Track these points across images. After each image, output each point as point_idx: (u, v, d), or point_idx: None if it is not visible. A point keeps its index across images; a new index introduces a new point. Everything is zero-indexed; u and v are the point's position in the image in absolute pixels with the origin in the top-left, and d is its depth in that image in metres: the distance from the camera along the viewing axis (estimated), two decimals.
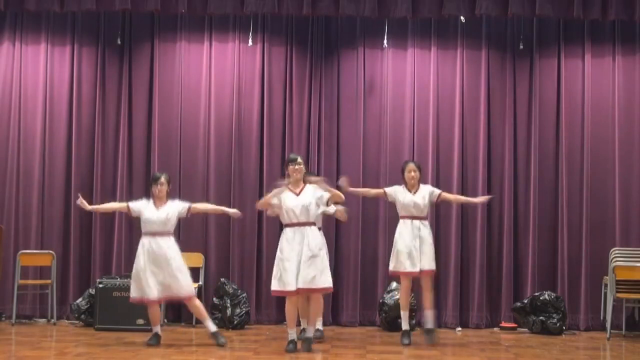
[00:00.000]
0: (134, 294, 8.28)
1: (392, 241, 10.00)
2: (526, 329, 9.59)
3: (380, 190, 8.87)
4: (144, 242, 8.29)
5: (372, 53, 10.23)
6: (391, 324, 9.52)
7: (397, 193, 8.64)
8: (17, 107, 10.24)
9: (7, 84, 10.28)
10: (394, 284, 9.75)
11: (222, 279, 9.79)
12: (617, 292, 9.18)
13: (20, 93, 10.25)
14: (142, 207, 8.40)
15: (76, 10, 9.76)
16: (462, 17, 9.79)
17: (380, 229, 10.01)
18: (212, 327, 8.36)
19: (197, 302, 8.45)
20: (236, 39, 10.25)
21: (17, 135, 10.21)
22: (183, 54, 10.28)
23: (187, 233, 9.93)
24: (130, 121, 10.25)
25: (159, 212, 8.34)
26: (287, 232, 7.97)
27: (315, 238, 7.95)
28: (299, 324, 8.29)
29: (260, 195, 10.05)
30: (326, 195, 8.06)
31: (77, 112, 10.21)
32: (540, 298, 9.52)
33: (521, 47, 10.05)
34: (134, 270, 8.29)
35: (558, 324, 9.42)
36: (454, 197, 9.18)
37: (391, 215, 10.00)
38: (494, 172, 10.09)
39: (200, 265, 9.90)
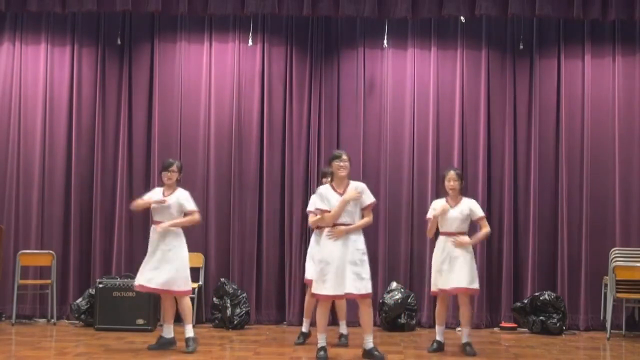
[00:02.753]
0: (136, 281, 8.07)
1: (392, 241, 10.06)
2: (526, 329, 9.59)
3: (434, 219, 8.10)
4: (151, 230, 8.10)
5: (372, 53, 10.23)
6: (391, 324, 9.53)
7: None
8: (17, 107, 10.23)
9: (7, 84, 10.27)
10: (394, 284, 9.76)
11: (222, 279, 9.79)
12: (617, 292, 9.18)
13: (20, 93, 10.25)
14: (153, 195, 8.14)
15: (77, 10, 9.76)
16: (462, 17, 9.79)
17: (380, 229, 9.99)
18: (189, 332, 7.96)
19: (187, 303, 8.05)
20: (236, 39, 10.25)
21: (17, 135, 10.21)
22: (183, 54, 10.28)
23: (187, 233, 9.78)
24: (130, 121, 10.25)
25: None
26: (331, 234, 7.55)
27: (359, 241, 7.60)
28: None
29: (260, 196, 10.10)
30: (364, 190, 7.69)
31: (77, 112, 10.21)
32: (540, 298, 9.52)
33: (521, 47, 10.04)
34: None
35: (558, 324, 9.42)
36: (482, 233, 8.22)
37: (391, 215, 10.02)
38: (494, 172, 10.08)
39: (200, 265, 9.90)
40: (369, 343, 7.56)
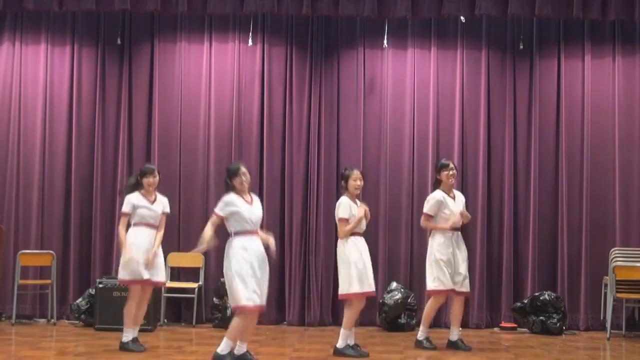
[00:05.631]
0: (247, 301, 6.76)
1: (392, 241, 10.03)
2: (526, 329, 9.59)
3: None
4: (244, 243, 6.81)
5: (372, 53, 10.23)
6: (391, 324, 9.53)
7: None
8: (17, 107, 10.24)
9: (7, 84, 10.28)
10: (394, 284, 9.76)
11: (222, 279, 9.75)
12: (617, 292, 9.18)
13: (20, 93, 10.25)
14: (234, 202, 6.86)
15: (76, 10, 9.77)
16: (462, 17, 9.79)
17: (380, 228, 9.99)
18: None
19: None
20: (236, 39, 10.26)
21: (17, 135, 10.21)
22: (183, 54, 10.28)
23: (186, 233, 9.92)
24: (130, 121, 10.26)
25: (252, 207, 6.94)
26: (448, 234, 8.11)
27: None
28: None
29: (260, 195, 10.05)
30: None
31: (77, 112, 10.21)
32: (540, 298, 9.53)
33: (521, 47, 10.05)
34: (235, 275, 6.76)
35: (558, 324, 9.42)
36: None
37: (391, 215, 10.02)
38: (494, 172, 10.09)
39: (200, 265, 9.91)
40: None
